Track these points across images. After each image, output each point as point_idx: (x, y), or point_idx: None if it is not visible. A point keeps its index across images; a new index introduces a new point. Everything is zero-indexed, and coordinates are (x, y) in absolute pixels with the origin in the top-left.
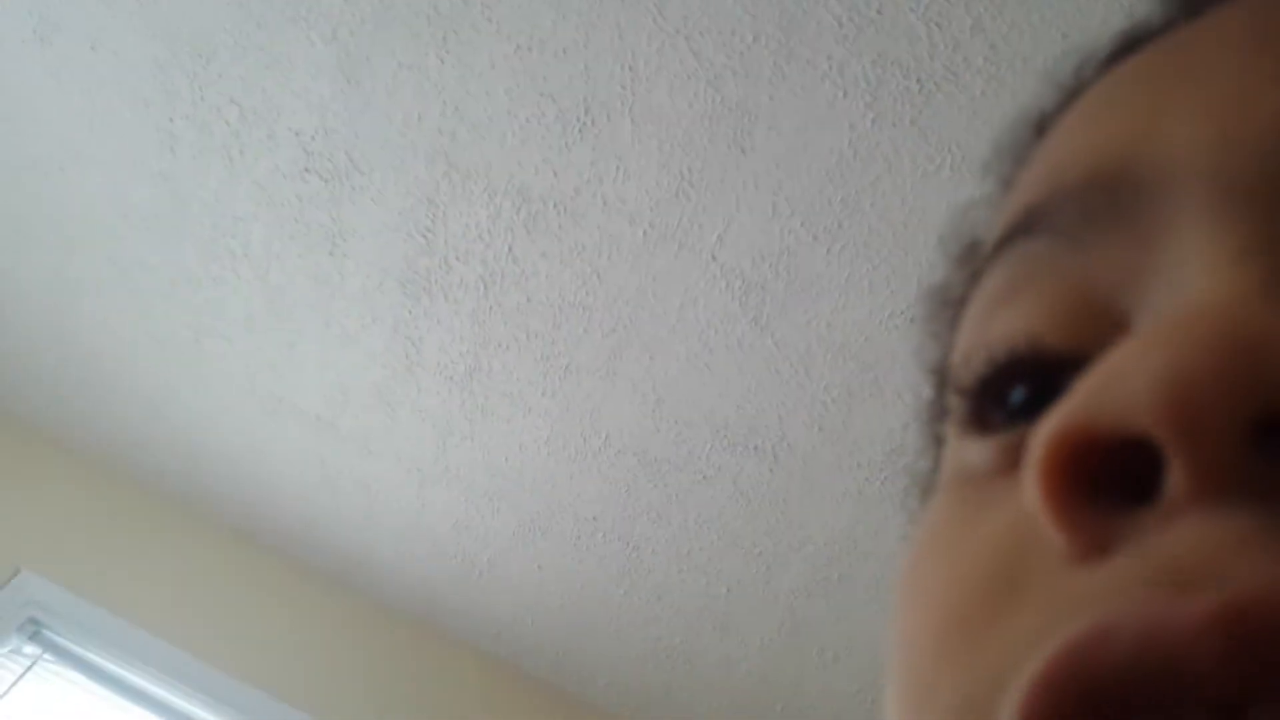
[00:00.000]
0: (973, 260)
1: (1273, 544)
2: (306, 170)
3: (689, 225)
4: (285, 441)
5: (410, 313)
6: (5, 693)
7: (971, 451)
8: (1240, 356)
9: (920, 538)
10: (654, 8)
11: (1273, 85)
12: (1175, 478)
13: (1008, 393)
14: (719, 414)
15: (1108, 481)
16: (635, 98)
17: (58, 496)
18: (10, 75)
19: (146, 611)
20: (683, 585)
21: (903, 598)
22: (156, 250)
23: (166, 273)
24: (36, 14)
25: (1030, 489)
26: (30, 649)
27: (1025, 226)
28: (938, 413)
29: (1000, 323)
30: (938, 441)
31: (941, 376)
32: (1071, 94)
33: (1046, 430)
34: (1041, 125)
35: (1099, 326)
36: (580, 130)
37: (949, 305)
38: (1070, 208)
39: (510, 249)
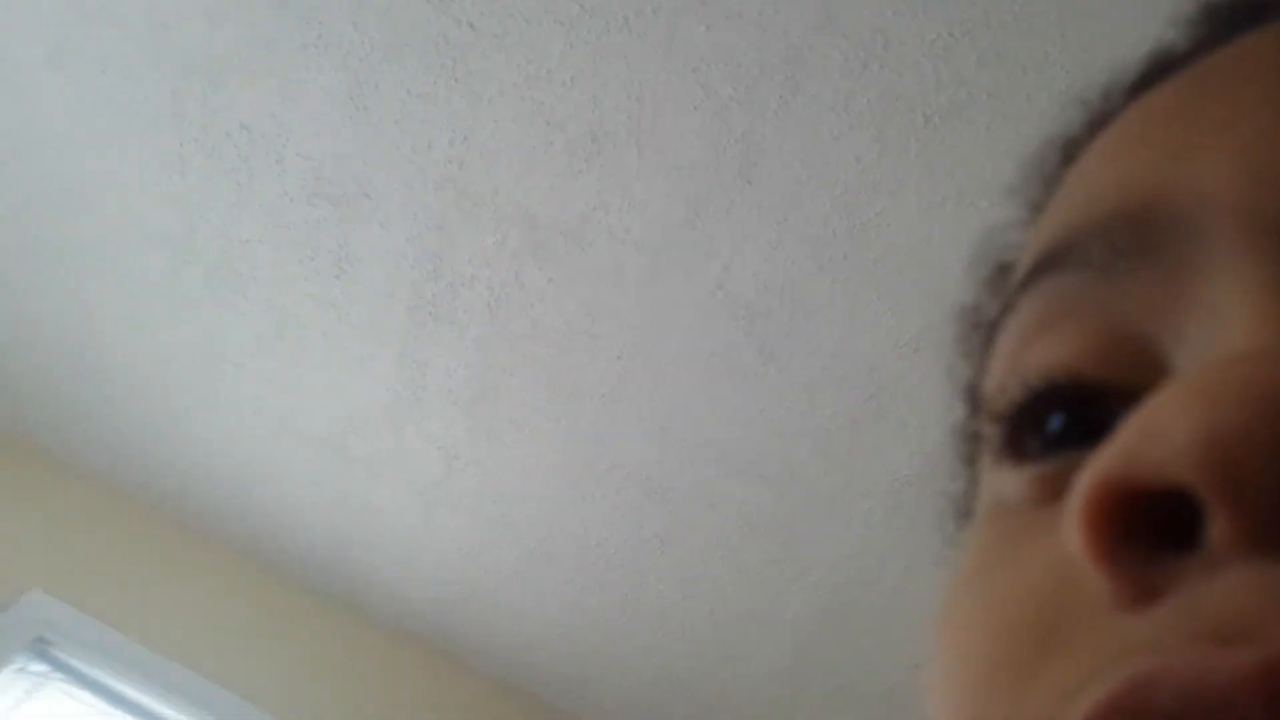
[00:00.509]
0: (1004, 283)
1: None
2: (315, 195)
3: (695, 254)
4: (292, 465)
5: (417, 338)
6: (13, 710)
7: (1008, 481)
8: (1278, 409)
9: (959, 572)
10: (662, 40)
11: None
12: (1217, 529)
13: (1044, 420)
14: (724, 441)
15: (1149, 528)
16: (642, 128)
17: (66, 517)
18: (23, 99)
19: (153, 631)
20: (687, 613)
21: (943, 636)
22: (166, 274)
23: (175, 295)
24: (49, 39)
25: (1072, 534)
26: (38, 667)
27: (1056, 259)
28: (971, 436)
29: (1035, 354)
30: (971, 462)
31: (974, 399)
32: (1100, 120)
33: (1088, 477)
34: (1069, 151)
35: (1135, 360)
36: (587, 159)
37: (980, 327)
38: (1101, 242)
39: (517, 275)
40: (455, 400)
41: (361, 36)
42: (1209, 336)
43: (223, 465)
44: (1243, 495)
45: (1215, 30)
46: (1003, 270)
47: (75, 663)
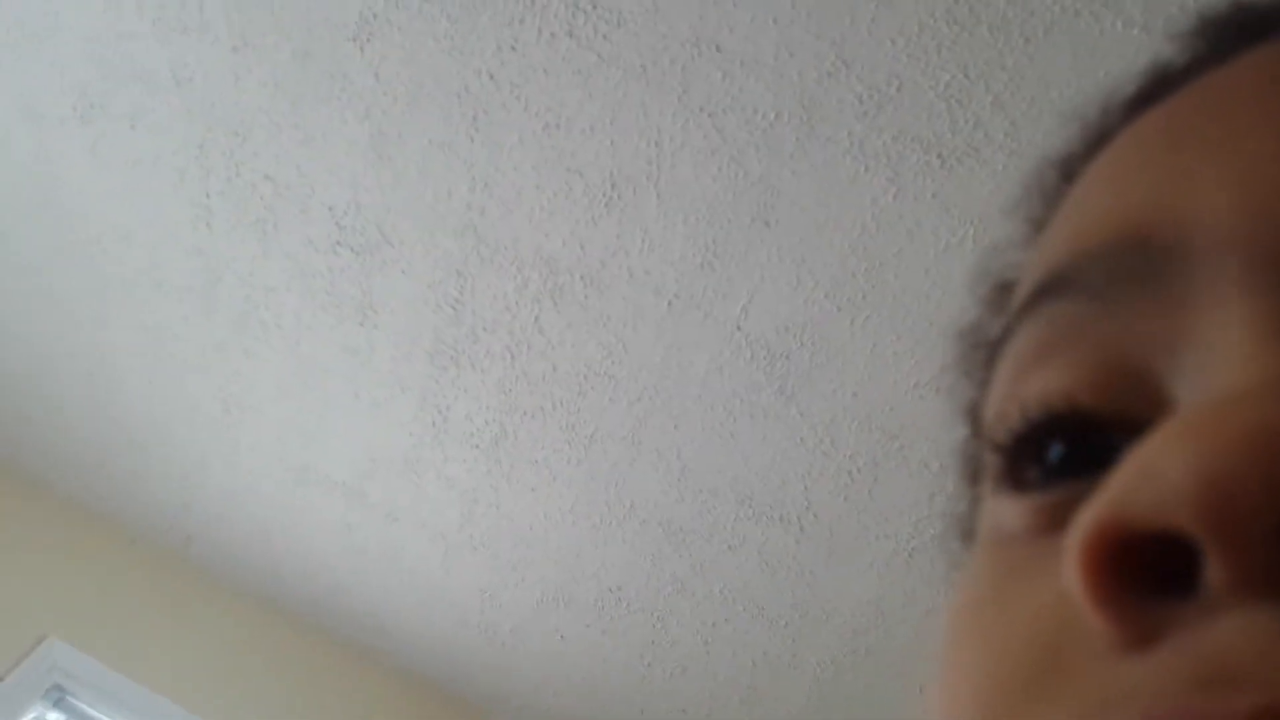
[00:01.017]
0: (1004, 303)
1: None
2: (338, 244)
3: (714, 296)
4: (313, 510)
5: (438, 382)
6: None
7: (1007, 510)
8: (1275, 452)
9: (959, 600)
10: (678, 86)
11: None
12: (1213, 573)
13: (1044, 450)
14: (744, 483)
15: (1146, 571)
16: (660, 172)
17: (86, 565)
18: (51, 151)
19: (170, 679)
20: (708, 657)
21: (942, 669)
22: (190, 321)
23: (199, 343)
24: (77, 92)
25: (1071, 576)
26: (55, 716)
27: (1055, 286)
28: (973, 457)
29: (1034, 382)
30: (974, 483)
31: (976, 420)
32: (1098, 137)
33: (1085, 520)
34: (1068, 168)
35: (1133, 392)
36: (606, 204)
37: (980, 347)
38: (1098, 271)
39: (537, 319)
40: (476, 443)
41: (383, 88)
42: (1206, 371)
43: (243, 512)
44: (1239, 539)
45: (1213, 46)
46: (1003, 289)
47: (92, 711)
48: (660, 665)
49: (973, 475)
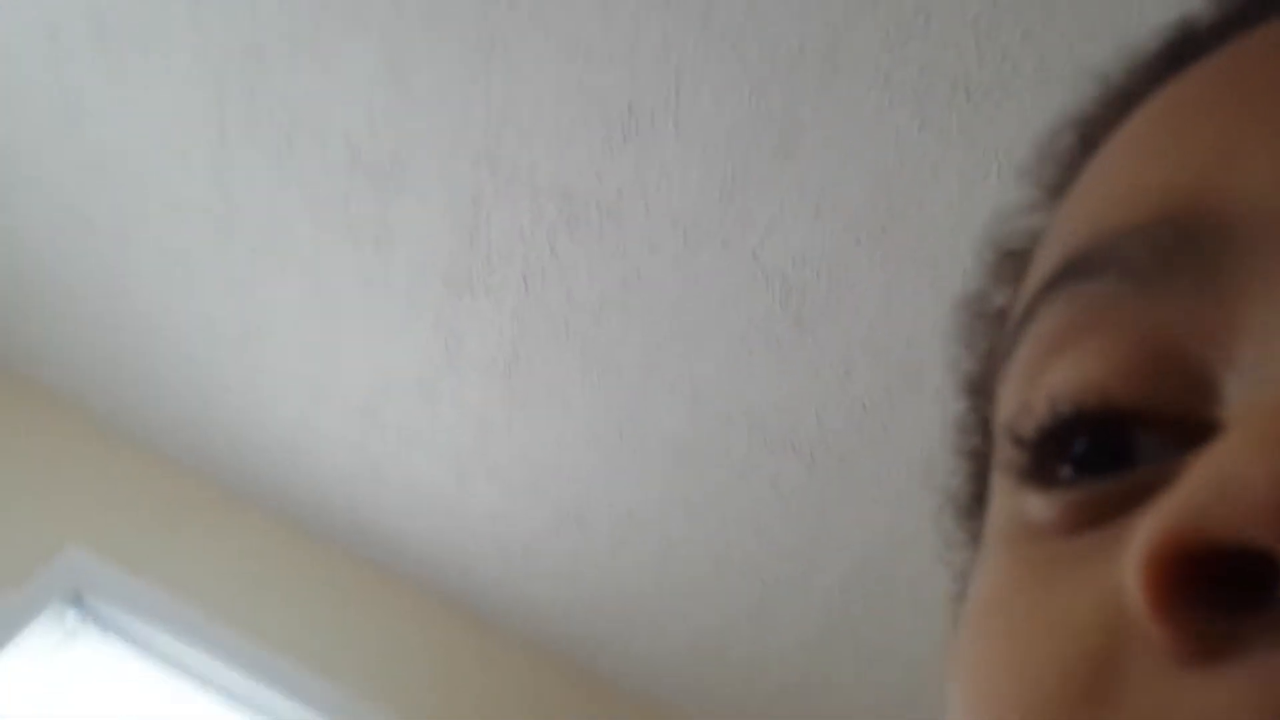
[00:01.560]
0: (1012, 272)
1: None
2: (354, 169)
3: (731, 227)
4: (329, 432)
5: (453, 309)
6: (49, 659)
7: (1032, 506)
8: None
9: (983, 598)
10: (700, 15)
11: None
12: None
13: (1070, 444)
14: (757, 413)
15: (1213, 583)
16: (680, 103)
17: (109, 477)
18: (66, 75)
19: (189, 588)
20: (719, 582)
21: (967, 672)
22: (207, 245)
23: (216, 266)
24: (93, 18)
25: (1133, 585)
26: (74, 618)
27: (1085, 264)
28: (974, 432)
29: (1061, 370)
30: (973, 457)
31: (976, 394)
32: (1122, 103)
33: (1153, 529)
34: (1089, 134)
35: (1176, 383)
36: (624, 134)
37: (984, 317)
38: (1139, 249)
39: (552, 248)
40: (489, 370)
41: (400, 13)
42: (1264, 365)
43: (261, 431)
44: None
45: (1245, 10)
46: (1011, 258)
47: (111, 616)
48: (670, 588)
49: (973, 452)
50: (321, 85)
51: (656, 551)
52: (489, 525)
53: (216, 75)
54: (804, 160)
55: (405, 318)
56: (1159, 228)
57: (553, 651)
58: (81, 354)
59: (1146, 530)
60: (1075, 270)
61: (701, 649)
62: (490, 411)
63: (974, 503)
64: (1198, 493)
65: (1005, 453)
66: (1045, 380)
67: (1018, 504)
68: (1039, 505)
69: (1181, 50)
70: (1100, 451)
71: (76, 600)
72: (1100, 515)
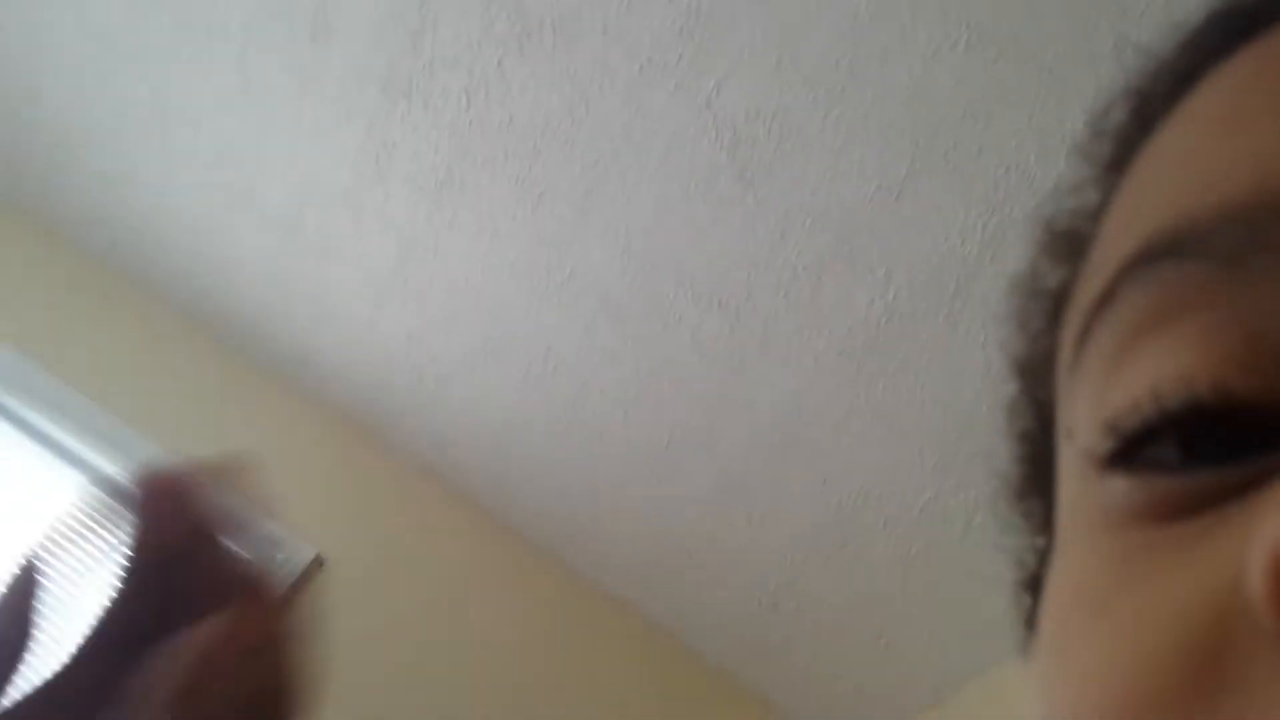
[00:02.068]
0: (1069, 252)
1: None
2: None
3: (687, 67)
4: (245, 233)
5: (387, 115)
6: None
7: (1119, 492)
8: None
9: (1071, 591)
10: None
11: None
12: None
13: (1168, 433)
14: (688, 265)
15: None
16: None
17: (4, 260)
18: None
19: (87, 379)
20: (626, 429)
21: (1065, 666)
22: (129, 17)
23: (137, 42)
24: None
25: (1258, 582)
26: None
27: (1171, 247)
28: (1027, 416)
29: (1156, 357)
30: (1026, 439)
31: (1031, 375)
32: (1180, 79)
33: (1278, 527)
34: (1145, 111)
35: None
36: None
37: (1041, 297)
38: (1235, 231)
39: (499, 63)
40: (419, 186)
41: None
42: None
43: (173, 223)
44: None
45: None
46: (1067, 237)
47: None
48: (578, 429)
49: (1024, 435)
50: None
51: (569, 393)
52: (403, 348)
53: None
54: (771, 4)
55: (336, 120)
56: (1256, 209)
57: (453, 481)
58: None
59: (1273, 525)
60: (1162, 252)
61: (597, 493)
62: (416, 231)
63: (1027, 485)
64: None
65: (1091, 441)
66: (1139, 369)
67: (1103, 490)
68: (1128, 491)
69: (1240, 25)
70: (1203, 440)
71: None
72: (1200, 504)
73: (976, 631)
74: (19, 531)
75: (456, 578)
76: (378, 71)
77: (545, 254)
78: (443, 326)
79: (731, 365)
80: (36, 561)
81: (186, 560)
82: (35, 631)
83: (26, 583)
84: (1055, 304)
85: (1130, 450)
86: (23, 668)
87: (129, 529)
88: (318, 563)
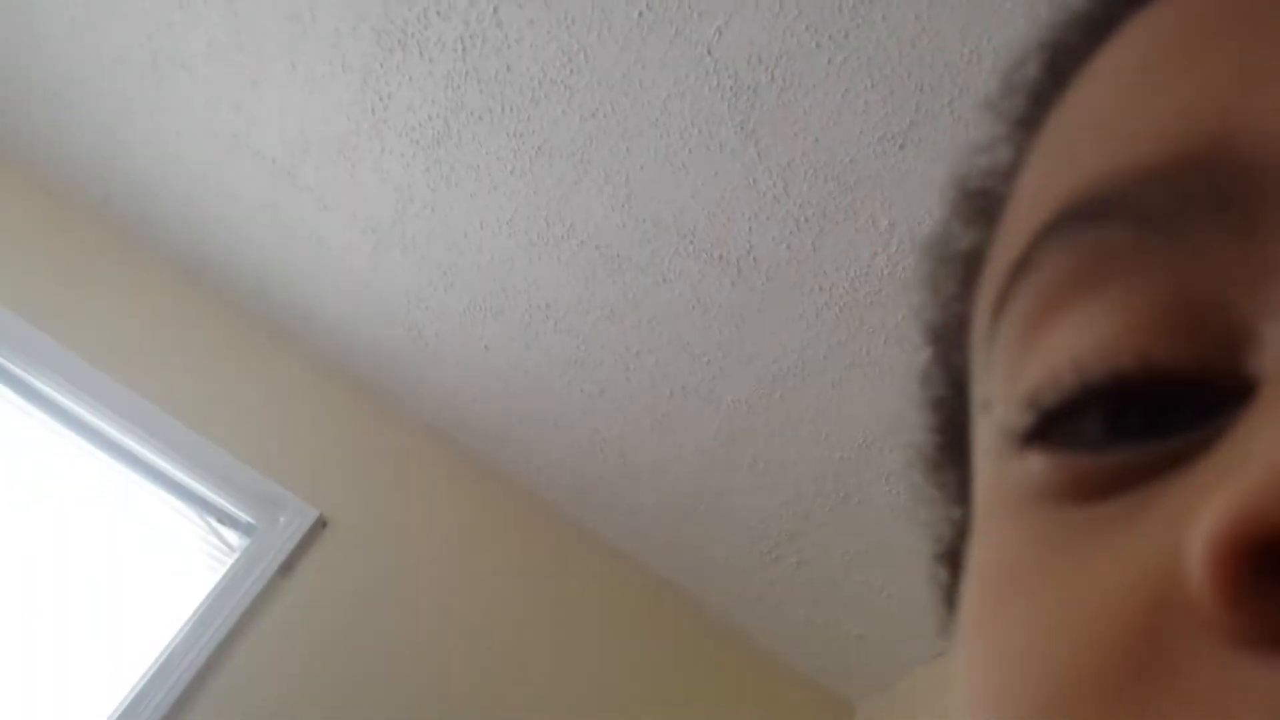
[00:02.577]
0: (981, 213)
1: None
2: None
3: (688, 13)
4: (239, 183)
5: (382, 65)
6: None
7: (1038, 469)
8: None
9: (993, 574)
10: None
11: None
12: None
13: (1091, 406)
14: (688, 217)
15: (1276, 566)
16: None
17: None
18: None
19: (80, 336)
20: (627, 383)
21: (989, 652)
22: None
23: None
24: None
25: (1198, 565)
26: None
27: (1090, 210)
28: (940, 383)
29: (1077, 326)
30: (939, 407)
31: (942, 340)
32: (1094, 29)
33: (1221, 512)
34: (1058, 64)
35: (1212, 338)
36: None
37: (949, 261)
38: (1159, 193)
39: (496, 11)
40: (416, 139)
41: None
42: None
43: (168, 175)
44: None
45: None
46: (980, 196)
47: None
48: (579, 385)
49: (937, 403)
50: None
51: (569, 349)
52: (401, 303)
53: None
54: None
55: (330, 69)
56: (1180, 169)
57: (452, 439)
58: None
59: (1212, 513)
60: (1082, 214)
61: (600, 448)
62: (413, 183)
63: (942, 454)
64: (1268, 479)
65: (1009, 415)
66: (1059, 339)
67: (1022, 467)
68: (1049, 469)
69: None
70: (1127, 413)
71: None
72: (1126, 482)
73: None
74: (15, 492)
75: (458, 534)
76: (371, 19)
77: (544, 208)
78: (440, 282)
79: (733, 320)
80: None
81: None
82: None
83: None
84: (968, 268)
85: (1051, 425)
86: None
87: None
88: (320, 523)
